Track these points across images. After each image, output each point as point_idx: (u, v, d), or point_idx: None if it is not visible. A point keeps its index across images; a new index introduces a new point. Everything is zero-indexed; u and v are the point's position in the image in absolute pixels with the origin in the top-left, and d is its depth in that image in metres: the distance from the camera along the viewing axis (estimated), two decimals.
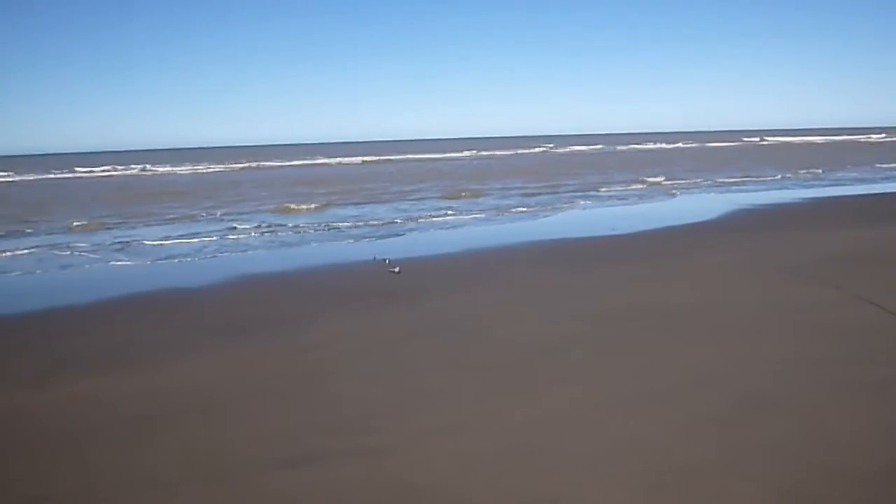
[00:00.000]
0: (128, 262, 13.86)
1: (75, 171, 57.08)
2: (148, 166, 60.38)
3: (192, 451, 5.00)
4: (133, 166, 61.72)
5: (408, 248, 14.21)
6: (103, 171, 58.16)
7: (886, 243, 12.59)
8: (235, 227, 18.40)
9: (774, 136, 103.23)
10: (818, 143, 77.52)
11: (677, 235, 15.04)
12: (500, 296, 9.59)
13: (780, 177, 31.17)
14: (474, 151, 72.51)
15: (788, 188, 26.18)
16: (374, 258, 12.55)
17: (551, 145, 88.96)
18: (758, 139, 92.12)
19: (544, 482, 4.36)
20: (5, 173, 53.36)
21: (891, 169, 34.73)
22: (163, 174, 52.66)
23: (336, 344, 7.56)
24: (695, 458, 4.57)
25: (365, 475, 4.53)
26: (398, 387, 6.16)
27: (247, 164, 59.78)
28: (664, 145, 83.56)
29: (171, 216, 21.80)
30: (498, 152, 72.40)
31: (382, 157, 67.37)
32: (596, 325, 7.85)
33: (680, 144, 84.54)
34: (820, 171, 34.20)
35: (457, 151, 73.70)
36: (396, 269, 11.25)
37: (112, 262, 13.87)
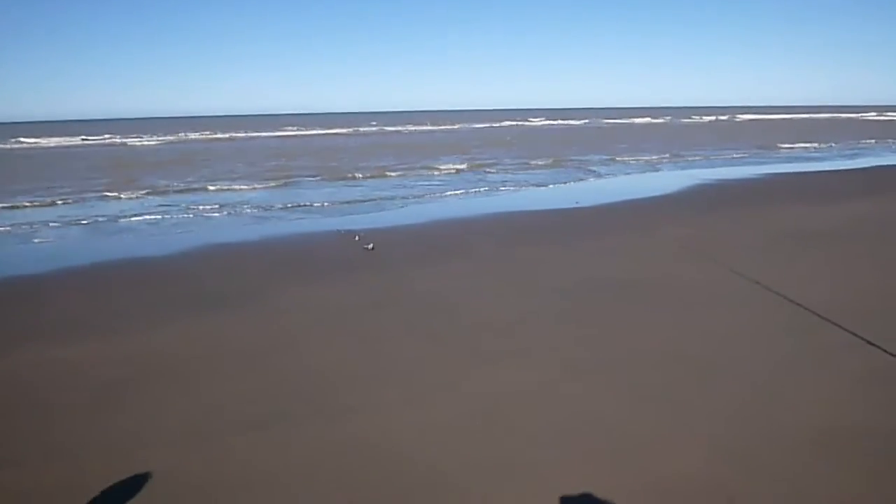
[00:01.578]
0: (96, 233, 13.86)
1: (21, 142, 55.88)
2: (117, 137, 59.33)
3: (162, 415, 5.16)
4: (103, 136, 60.64)
5: (379, 220, 14.37)
6: (77, 140, 57.01)
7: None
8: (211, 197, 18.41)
9: (748, 113, 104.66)
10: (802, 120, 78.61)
11: (640, 209, 15.43)
12: (467, 268, 9.79)
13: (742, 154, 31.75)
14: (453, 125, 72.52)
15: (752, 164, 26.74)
16: (339, 231, 12.65)
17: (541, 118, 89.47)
18: (727, 117, 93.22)
19: (500, 448, 4.58)
20: None
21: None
22: (134, 145, 51.77)
23: (303, 313, 7.72)
24: (647, 425, 4.84)
25: (327, 438, 4.73)
26: (362, 355, 6.36)
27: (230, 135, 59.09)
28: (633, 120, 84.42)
29: (142, 186, 21.63)
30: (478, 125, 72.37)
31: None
32: (558, 298, 8.10)
33: (647, 119, 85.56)
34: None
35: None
36: (370, 246, 11.02)
37: (81, 233, 13.85)
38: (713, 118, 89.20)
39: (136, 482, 4.14)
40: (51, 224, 14.72)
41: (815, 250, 10.38)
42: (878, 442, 4.47)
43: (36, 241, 13.09)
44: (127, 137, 58.87)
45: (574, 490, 4.01)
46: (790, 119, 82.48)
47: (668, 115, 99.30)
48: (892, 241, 11.34)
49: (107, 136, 61.86)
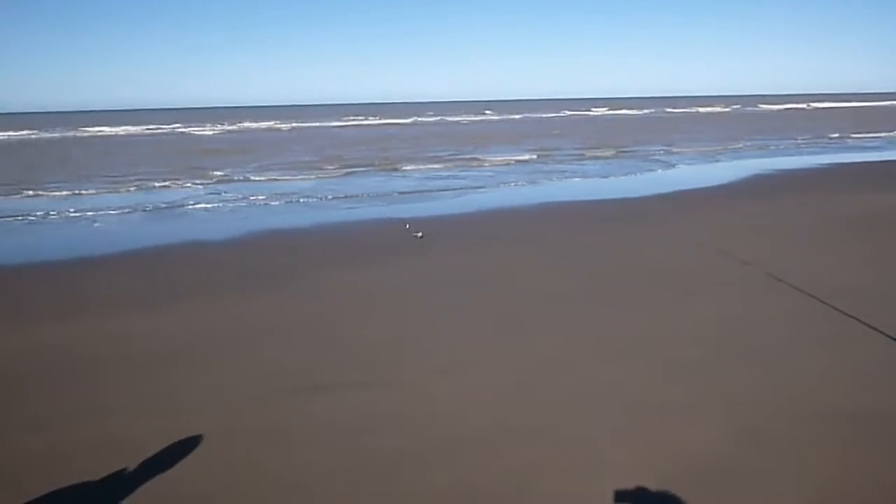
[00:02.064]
0: (157, 218, 14.68)
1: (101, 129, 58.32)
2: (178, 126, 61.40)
3: (213, 381, 5.62)
4: (165, 126, 62.83)
5: (432, 209, 14.76)
6: (144, 129, 59.23)
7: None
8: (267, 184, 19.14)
9: (824, 101, 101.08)
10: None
11: (686, 198, 15.45)
12: (509, 254, 10.10)
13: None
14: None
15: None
16: (391, 219, 13.04)
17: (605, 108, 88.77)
18: (804, 105, 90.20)
19: (530, 415, 4.89)
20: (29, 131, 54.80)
21: None
22: (197, 134, 53.47)
23: (349, 292, 8.16)
24: (666, 400, 5.07)
25: (367, 404, 5.11)
26: (404, 331, 6.74)
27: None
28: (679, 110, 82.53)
29: (202, 174, 22.55)
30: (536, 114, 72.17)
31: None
32: (592, 280, 8.38)
33: (704, 109, 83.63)
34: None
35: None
36: (419, 234, 11.13)
37: (142, 218, 14.71)
38: (785, 107, 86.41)
39: (189, 442, 4.54)
40: (113, 210, 15.53)
41: (864, 239, 10.31)
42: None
43: (97, 224, 13.94)
44: (189, 126, 60.73)
45: (592, 458, 4.29)
46: (868, 107, 79.28)
47: (736, 104, 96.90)
48: None
49: (176, 125, 63.94)
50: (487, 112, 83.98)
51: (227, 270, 9.49)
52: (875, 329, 6.16)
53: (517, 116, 73.65)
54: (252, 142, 40.02)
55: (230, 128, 59.94)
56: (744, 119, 58.38)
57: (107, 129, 58.67)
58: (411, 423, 4.80)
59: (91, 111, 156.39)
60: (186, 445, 4.48)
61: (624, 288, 8.09)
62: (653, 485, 3.98)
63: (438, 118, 72.02)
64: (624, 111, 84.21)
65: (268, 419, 4.90)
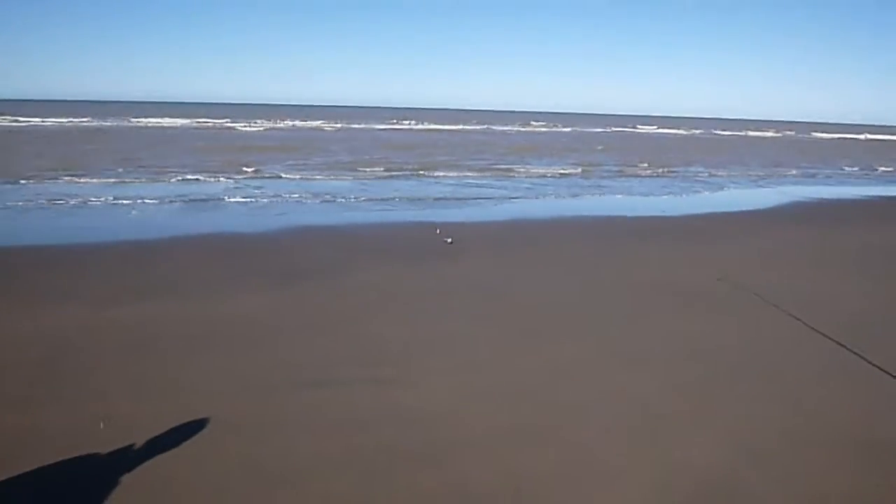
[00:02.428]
0: (194, 209, 15.10)
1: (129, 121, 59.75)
2: (228, 122, 62.58)
3: (232, 368, 5.81)
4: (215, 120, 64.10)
5: (465, 216, 14.90)
6: (193, 122, 60.58)
7: None
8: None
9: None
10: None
11: (719, 220, 15.34)
12: (533, 263, 10.19)
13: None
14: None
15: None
16: (421, 223, 13.19)
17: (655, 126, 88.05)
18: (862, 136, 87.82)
19: (534, 418, 5.00)
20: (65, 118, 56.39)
21: None
22: (245, 130, 54.48)
23: (372, 291, 8.31)
24: (669, 411, 5.15)
25: (375, 400, 5.25)
26: (418, 331, 6.89)
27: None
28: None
29: (242, 168, 23.06)
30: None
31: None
32: (611, 294, 8.46)
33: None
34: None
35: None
36: (449, 240, 11.09)
37: (181, 208, 15.14)
38: (839, 136, 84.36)
39: (195, 425, 4.72)
40: (150, 199, 15.90)
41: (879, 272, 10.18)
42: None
43: (134, 212, 14.37)
44: (237, 122, 61.81)
45: (591, 465, 4.37)
46: None
47: (789, 130, 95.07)
48: None
49: (225, 119, 65.21)
50: (534, 123, 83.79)
51: (257, 263, 9.73)
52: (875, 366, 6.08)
53: (566, 129, 73.44)
54: (297, 140, 40.59)
55: (278, 125, 60.89)
56: (794, 145, 57.34)
57: (157, 121, 60.07)
58: (412, 422, 4.92)
59: (146, 102, 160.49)
60: (186, 430, 4.65)
61: (641, 304, 8.11)
62: (650, 495, 4.05)
63: (485, 126, 72.08)
64: (672, 130, 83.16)
65: (269, 411, 5.05)
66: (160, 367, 5.82)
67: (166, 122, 59.75)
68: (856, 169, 33.25)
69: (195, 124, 58.54)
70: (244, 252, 10.58)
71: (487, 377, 5.74)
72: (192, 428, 4.67)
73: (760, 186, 24.10)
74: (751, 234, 13.44)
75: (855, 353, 6.36)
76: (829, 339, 6.76)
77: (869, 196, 21.74)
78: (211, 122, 61.50)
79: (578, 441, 4.66)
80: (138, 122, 58.84)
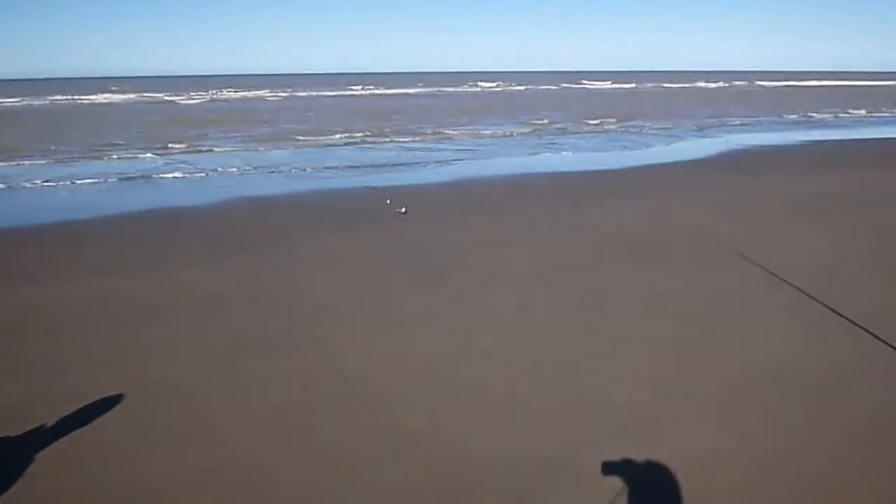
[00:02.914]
0: (140, 185, 14.90)
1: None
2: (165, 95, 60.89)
3: (178, 337, 5.96)
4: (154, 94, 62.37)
5: (412, 180, 15.06)
6: (136, 97, 58.81)
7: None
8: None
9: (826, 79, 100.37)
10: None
11: (664, 172, 15.72)
12: (479, 223, 10.38)
13: None
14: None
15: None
16: (370, 188, 13.18)
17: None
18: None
19: (465, 372, 5.24)
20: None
21: None
22: (183, 103, 53.20)
23: (313, 259, 8.49)
24: (594, 354, 5.48)
25: (316, 360, 5.46)
26: (359, 295, 7.07)
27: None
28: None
29: (185, 142, 22.68)
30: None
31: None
32: (548, 250, 8.76)
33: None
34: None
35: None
36: (403, 210, 10.64)
37: (127, 185, 14.93)
38: (784, 83, 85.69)
39: (141, 392, 4.88)
40: (86, 178, 15.60)
41: (806, 216, 10.62)
42: (810, 384, 4.93)
43: (85, 191, 14.21)
44: (179, 95, 60.22)
45: (512, 409, 4.63)
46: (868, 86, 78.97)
47: (739, 80, 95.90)
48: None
49: (166, 93, 63.44)
50: (482, 84, 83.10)
51: (204, 236, 9.80)
52: (819, 301, 6.44)
53: (519, 87, 73.59)
54: (239, 111, 39.82)
55: (221, 96, 59.55)
56: (739, 96, 58.32)
57: (95, 98, 58.06)
58: (351, 378, 5.13)
59: (84, 78, 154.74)
60: (133, 398, 4.79)
61: (581, 254, 8.45)
62: (574, 433, 4.32)
63: (434, 89, 71.48)
64: (625, 85, 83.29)
65: (215, 375, 5.23)
66: (107, 339, 5.92)
67: (105, 98, 57.84)
68: (794, 116, 34.03)
69: (136, 99, 56.81)
70: (187, 226, 10.60)
71: (424, 336, 5.99)
72: (139, 395, 4.82)
73: (706, 136, 24.58)
74: (695, 182, 13.82)
75: (814, 299, 6.67)
76: (786, 282, 7.03)
77: (805, 141, 22.37)
78: (152, 96, 59.65)
79: (506, 391, 4.91)
80: (77, 99, 56.86)
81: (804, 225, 9.94)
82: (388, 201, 11.34)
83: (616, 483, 3.69)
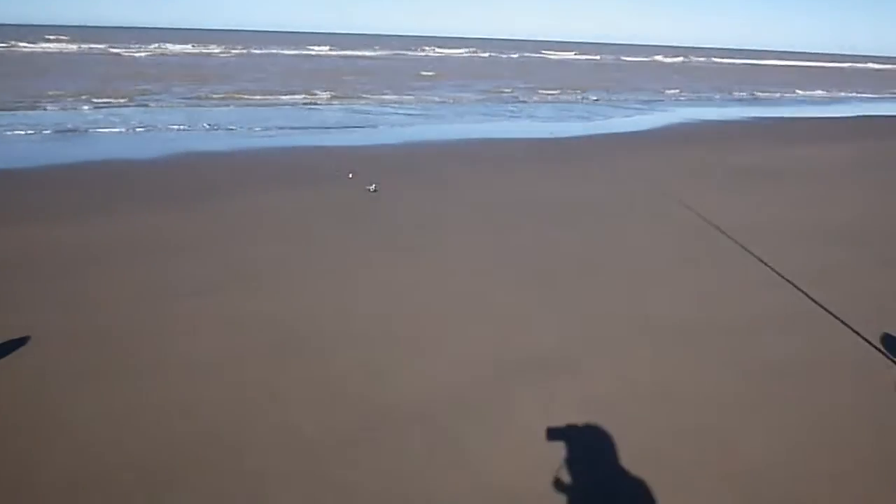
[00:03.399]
0: (83, 137, 14.61)
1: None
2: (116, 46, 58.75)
3: (118, 282, 6.04)
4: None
5: (349, 139, 15.07)
6: (77, 47, 56.58)
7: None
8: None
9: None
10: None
11: (606, 142, 16.06)
12: (423, 184, 10.57)
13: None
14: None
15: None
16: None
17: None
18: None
19: (388, 318, 5.49)
20: None
21: None
22: (131, 55, 51.54)
23: (257, 212, 8.56)
24: (523, 308, 5.74)
25: (246, 306, 5.61)
26: (294, 247, 7.22)
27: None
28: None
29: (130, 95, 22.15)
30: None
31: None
32: (486, 211, 8.99)
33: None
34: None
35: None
36: (373, 188, 9.85)
37: (69, 136, 14.62)
38: (737, 61, 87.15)
39: (94, 330, 5.05)
40: (32, 127, 15.32)
41: (755, 184, 11.07)
42: (730, 331, 5.33)
43: (29, 141, 13.87)
44: (128, 46, 58.31)
45: (440, 353, 4.87)
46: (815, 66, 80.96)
47: (701, 56, 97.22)
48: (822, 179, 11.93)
49: (107, 44, 61.24)
50: (438, 49, 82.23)
51: (145, 188, 9.77)
52: (744, 249, 6.86)
53: (484, 54, 73.40)
54: (187, 66, 38.82)
55: (170, 50, 57.77)
56: (691, 70, 59.24)
57: (36, 47, 55.66)
58: (277, 323, 5.32)
59: (27, 25, 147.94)
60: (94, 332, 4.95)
61: (508, 218, 8.70)
62: (486, 370, 4.60)
63: (394, 52, 70.47)
64: (588, 56, 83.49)
65: (150, 317, 5.34)
66: (46, 286, 5.96)
67: (44, 47, 55.46)
68: (743, 94, 34.89)
69: (76, 50, 54.63)
70: (132, 178, 10.55)
71: (354, 285, 6.20)
72: (81, 336, 4.95)
73: (654, 110, 25.06)
74: (637, 152, 14.20)
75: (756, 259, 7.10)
76: (732, 239, 7.46)
77: (748, 117, 23.04)
78: (93, 46, 57.35)
79: (434, 336, 5.15)
80: (14, 46, 54.47)
81: (737, 192, 10.40)
82: (351, 175, 10.83)
83: (531, 420, 3.98)
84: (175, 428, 3.85)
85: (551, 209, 9.11)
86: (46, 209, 8.41)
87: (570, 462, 3.58)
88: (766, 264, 6.56)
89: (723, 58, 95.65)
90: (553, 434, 3.84)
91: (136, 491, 3.31)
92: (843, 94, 37.92)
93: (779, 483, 3.46)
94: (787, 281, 6.15)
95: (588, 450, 3.75)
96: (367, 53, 66.08)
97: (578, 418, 4.00)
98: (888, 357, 4.78)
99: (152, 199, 9.05)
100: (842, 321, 5.33)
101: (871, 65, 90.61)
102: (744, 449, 3.77)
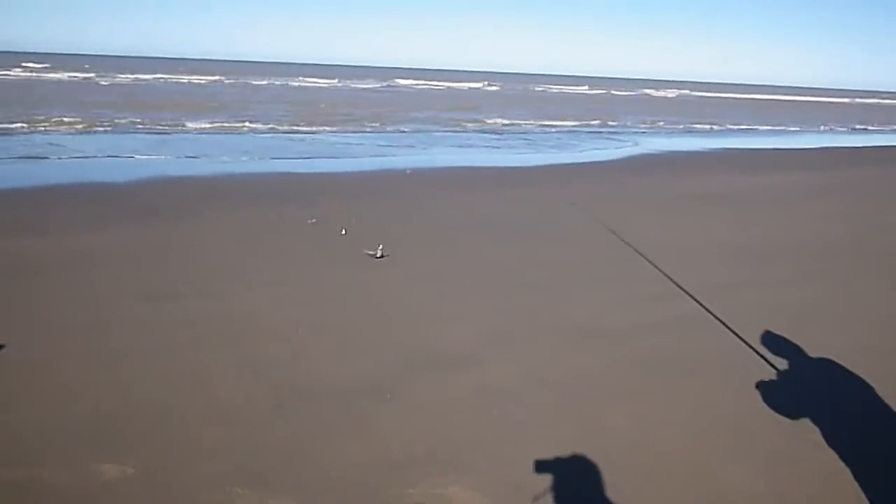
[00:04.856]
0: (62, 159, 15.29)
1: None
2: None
3: (78, 288, 6.65)
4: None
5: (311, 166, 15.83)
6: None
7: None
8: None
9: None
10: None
11: (562, 170, 17.01)
12: (371, 205, 11.19)
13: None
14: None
15: None
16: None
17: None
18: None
19: (324, 316, 6.16)
20: None
21: None
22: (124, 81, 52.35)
23: (214, 229, 9.24)
24: (439, 311, 6.46)
25: (202, 308, 6.23)
26: (250, 259, 7.86)
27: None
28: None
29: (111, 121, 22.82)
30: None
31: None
32: (434, 232, 9.67)
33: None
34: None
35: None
36: (343, 232, 9.20)
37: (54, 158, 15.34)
38: (727, 95, 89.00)
39: (56, 332, 5.60)
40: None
41: (699, 209, 11.81)
42: (613, 337, 5.96)
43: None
44: (104, 74, 59.21)
45: (368, 352, 5.49)
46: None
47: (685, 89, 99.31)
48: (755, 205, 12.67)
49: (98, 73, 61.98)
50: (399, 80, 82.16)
51: (114, 207, 10.41)
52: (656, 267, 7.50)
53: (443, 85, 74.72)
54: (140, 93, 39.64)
55: (144, 77, 58.62)
56: (653, 103, 60.84)
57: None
58: (229, 321, 5.96)
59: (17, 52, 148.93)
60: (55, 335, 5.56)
61: (457, 237, 9.40)
62: (407, 366, 5.22)
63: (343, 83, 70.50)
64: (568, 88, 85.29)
65: (112, 318, 5.93)
66: (11, 289, 6.58)
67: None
68: (714, 125, 36.04)
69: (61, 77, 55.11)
70: (102, 197, 11.14)
71: (301, 290, 6.88)
72: (43, 337, 5.53)
73: (626, 142, 25.99)
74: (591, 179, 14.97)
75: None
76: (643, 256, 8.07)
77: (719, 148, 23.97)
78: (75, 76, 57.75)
79: (360, 337, 5.78)
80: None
81: (676, 216, 11.16)
82: (313, 221, 9.82)
83: (438, 405, 4.62)
84: (128, 400, 4.48)
85: (492, 229, 9.78)
86: (22, 224, 9.07)
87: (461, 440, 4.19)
88: (670, 279, 7.18)
89: (708, 91, 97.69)
90: (446, 411, 4.48)
91: (80, 450, 3.88)
92: (812, 126, 39.16)
93: (636, 456, 4.08)
94: (687, 293, 6.77)
95: (473, 425, 4.39)
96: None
97: (473, 402, 4.63)
98: (764, 359, 5.35)
99: (118, 217, 9.72)
100: (728, 327, 5.94)
101: (846, 99, 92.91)
102: (609, 427, 4.39)
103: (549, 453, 4.01)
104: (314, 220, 9.73)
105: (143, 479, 3.65)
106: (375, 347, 5.52)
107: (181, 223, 9.39)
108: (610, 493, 3.69)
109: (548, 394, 4.83)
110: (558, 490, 3.71)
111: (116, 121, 23.43)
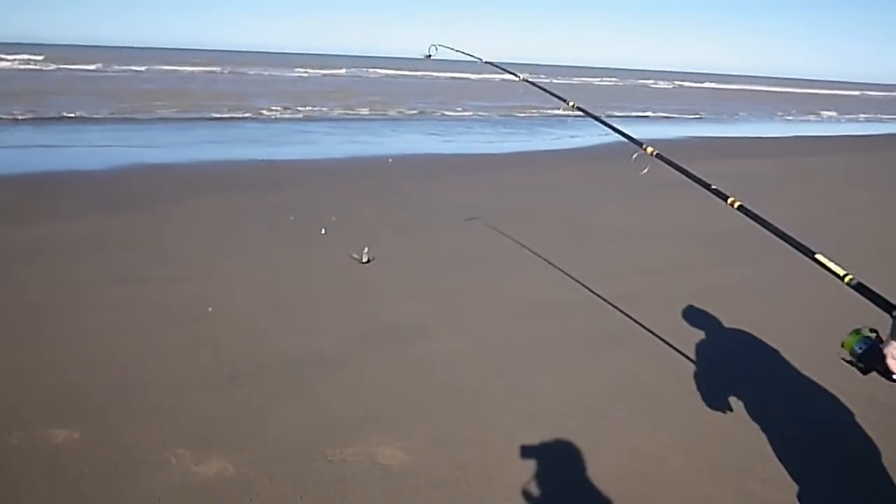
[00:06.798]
0: (44, 148, 15.52)
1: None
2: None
3: (54, 273, 6.97)
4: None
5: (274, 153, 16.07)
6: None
7: None
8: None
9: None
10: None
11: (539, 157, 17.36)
12: (343, 194, 11.46)
13: None
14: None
15: None
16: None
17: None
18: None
19: (284, 295, 6.53)
20: None
21: None
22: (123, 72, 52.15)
23: (189, 216, 9.51)
24: (393, 291, 6.83)
25: (170, 291, 6.57)
26: (220, 245, 8.18)
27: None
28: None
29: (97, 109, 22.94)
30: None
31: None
32: (393, 217, 10.02)
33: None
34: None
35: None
36: (323, 231, 9.10)
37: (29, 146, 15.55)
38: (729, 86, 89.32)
39: (31, 314, 5.91)
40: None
41: (663, 196, 12.10)
42: (534, 311, 6.40)
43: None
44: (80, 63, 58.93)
45: (318, 320, 5.90)
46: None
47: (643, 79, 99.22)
48: None
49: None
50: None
51: (93, 196, 10.62)
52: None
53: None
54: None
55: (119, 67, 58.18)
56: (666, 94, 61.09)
57: None
58: (193, 303, 6.29)
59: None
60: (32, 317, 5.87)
61: (414, 218, 9.68)
62: (353, 340, 5.60)
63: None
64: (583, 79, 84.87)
65: (84, 300, 6.26)
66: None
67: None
68: (703, 114, 36.47)
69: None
70: (80, 186, 11.38)
71: (264, 273, 7.22)
72: (23, 321, 5.82)
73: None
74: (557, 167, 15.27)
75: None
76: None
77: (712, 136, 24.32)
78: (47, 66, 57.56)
79: (310, 313, 6.15)
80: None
81: (636, 202, 11.49)
82: (293, 218, 9.94)
83: (384, 374, 5.00)
84: (70, 378, 4.79)
85: (452, 215, 10.10)
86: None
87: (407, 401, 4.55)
88: (621, 260, 7.55)
89: (701, 82, 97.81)
90: (391, 379, 4.85)
91: (40, 418, 4.22)
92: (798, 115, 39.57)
93: (557, 412, 4.48)
94: (636, 272, 7.13)
95: (414, 391, 4.76)
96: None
97: (418, 371, 5.01)
98: (694, 336, 5.68)
99: (100, 204, 9.96)
100: (667, 305, 6.28)
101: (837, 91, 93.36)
102: (540, 393, 4.76)
103: (477, 414, 4.39)
104: (294, 218, 9.82)
105: (88, 442, 3.99)
106: (332, 324, 5.89)
107: (158, 210, 9.70)
108: (528, 444, 4.09)
109: (487, 362, 5.20)
110: (482, 442, 4.09)
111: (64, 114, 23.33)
